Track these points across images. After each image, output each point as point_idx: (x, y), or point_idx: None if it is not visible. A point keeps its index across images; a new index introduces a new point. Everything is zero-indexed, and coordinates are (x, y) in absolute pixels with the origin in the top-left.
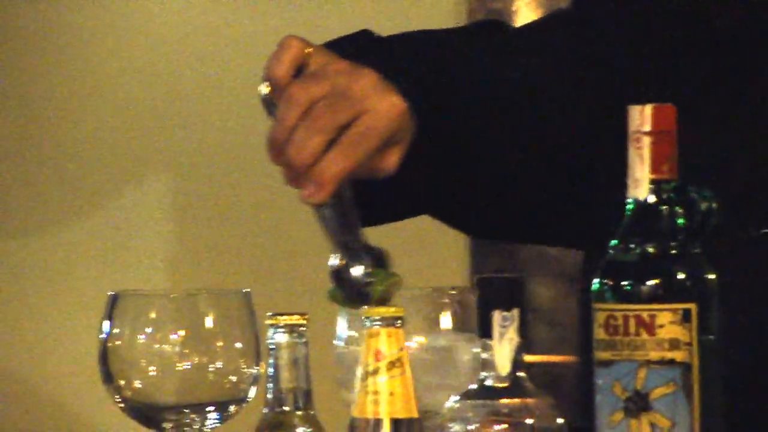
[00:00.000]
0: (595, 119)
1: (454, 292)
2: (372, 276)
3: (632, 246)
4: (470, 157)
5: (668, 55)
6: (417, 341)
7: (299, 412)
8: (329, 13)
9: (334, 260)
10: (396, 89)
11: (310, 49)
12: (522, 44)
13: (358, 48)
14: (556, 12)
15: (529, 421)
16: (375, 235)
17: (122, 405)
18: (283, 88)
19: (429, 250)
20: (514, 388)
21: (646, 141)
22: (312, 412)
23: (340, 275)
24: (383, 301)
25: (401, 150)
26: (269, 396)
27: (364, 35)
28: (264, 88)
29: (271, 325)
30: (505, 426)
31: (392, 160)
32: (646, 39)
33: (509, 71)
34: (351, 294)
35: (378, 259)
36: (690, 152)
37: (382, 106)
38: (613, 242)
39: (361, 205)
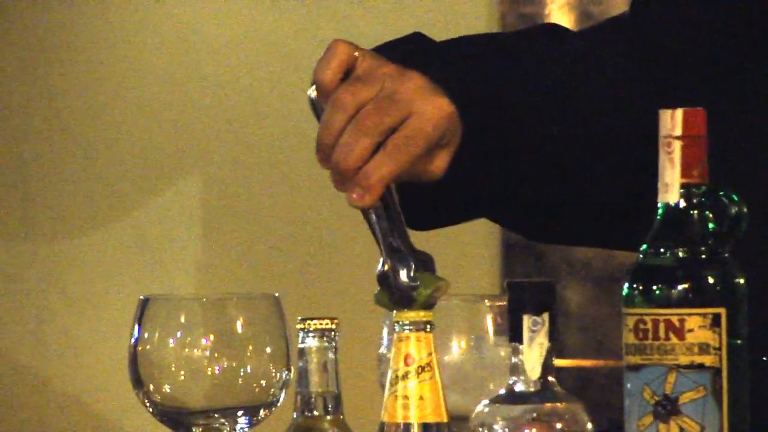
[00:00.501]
0: (651, 122)
1: (491, 300)
2: (418, 280)
3: (662, 250)
4: (521, 161)
5: (725, 60)
6: (459, 346)
7: (329, 417)
8: (359, 16)
9: (381, 264)
10: (443, 92)
11: (358, 53)
12: (578, 48)
13: (408, 51)
14: (613, 18)
15: (559, 425)
16: None
17: (152, 409)
18: (331, 92)
19: (460, 255)
20: (544, 392)
21: (677, 145)
22: (341, 417)
23: (386, 279)
24: (429, 305)
25: (449, 154)
26: (299, 400)
27: (415, 39)
28: (312, 92)
29: (301, 330)
30: (535, 431)
31: (440, 164)
32: (703, 43)
33: (562, 75)
34: (397, 298)
35: (424, 263)
36: (721, 156)
37: (429, 109)
38: (643, 246)
39: (411, 209)
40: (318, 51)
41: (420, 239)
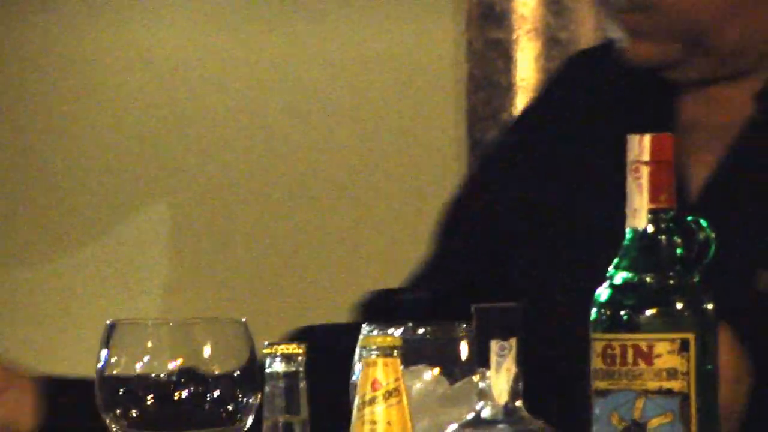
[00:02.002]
0: None
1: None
2: None
3: (630, 275)
4: None
5: None
6: (431, 374)
7: None
8: (326, 41)
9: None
10: None
11: None
12: None
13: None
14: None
15: None
16: (378, 260)
17: None
18: None
19: None
20: (511, 417)
21: (645, 170)
22: None
23: None
24: None
25: None
26: (266, 426)
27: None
28: None
29: (268, 354)
30: None
31: None
32: None
33: None
34: None
35: None
36: None
37: None
38: (612, 271)
39: None
40: (289, 75)
41: (389, 258)
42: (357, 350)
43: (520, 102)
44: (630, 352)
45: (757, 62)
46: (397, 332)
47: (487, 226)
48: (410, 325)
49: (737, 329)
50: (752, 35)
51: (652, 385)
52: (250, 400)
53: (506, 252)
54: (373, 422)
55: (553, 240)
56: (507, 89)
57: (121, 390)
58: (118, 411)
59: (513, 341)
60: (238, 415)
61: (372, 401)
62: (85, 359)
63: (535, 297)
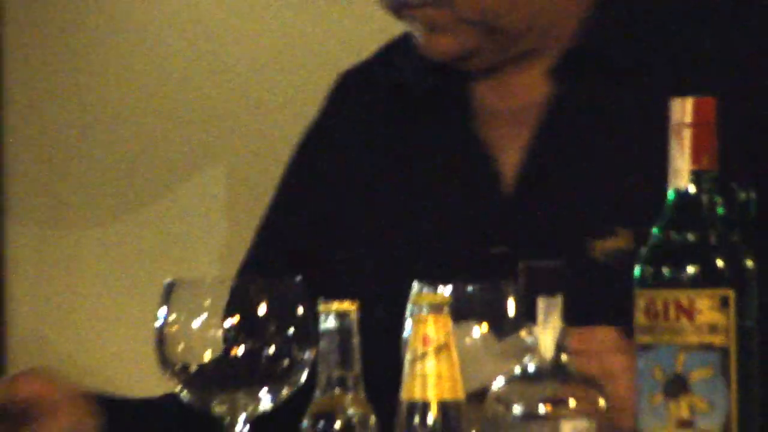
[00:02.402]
0: None
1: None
2: None
3: (673, 233)
4: None
5: None
6: (479, 330)
7: (349, 395)
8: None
9: None
10: None
11: None
12: None
13: None
14: None
15: (572, 403)
16: None
17: (178, 389)
18: None
19: None
20: (557, 371)
21: (687, 132)
22: (362, 395)
23: None
24: None
25: None
26: (321, 379)
27: None
28: None
29: (322, 312)
30: (549, 408)
31: None
32: None
33: None
34: None
35: None
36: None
37: None
38: (655, 230)
39: None
40: (336, 44)
41: None
42: (408, 307)
43: None
44: (672, 307)
45: (543, 41)
46: (447, 290)
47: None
48: (459, 282)
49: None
50: (537, 13)
51: (694, 339)
52: (305, 357)
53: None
54: (424, 376)
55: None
56: None
57: (179, 347)
58: (176, 367)
59: (559, 298)
60: (293, 371)
61: (423, 356)
62: (145, 319)
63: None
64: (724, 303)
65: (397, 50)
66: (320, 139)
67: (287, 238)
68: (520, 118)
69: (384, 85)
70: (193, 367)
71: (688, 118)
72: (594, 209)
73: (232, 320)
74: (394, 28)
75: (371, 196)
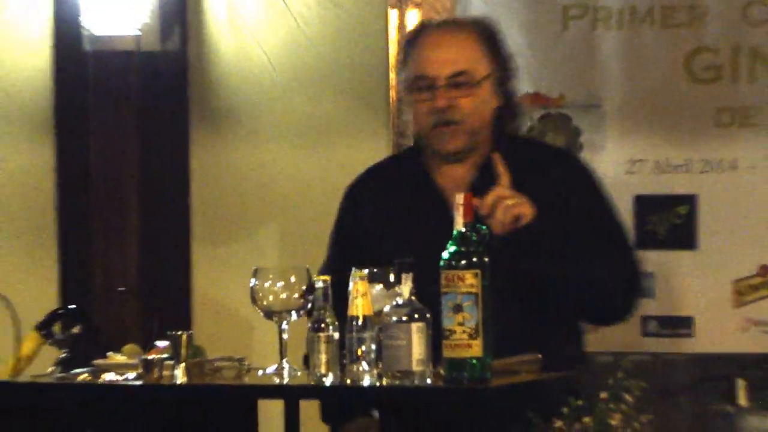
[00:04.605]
0: None
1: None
2: None
3: (458, 247)
4: None
5: None
6: (379, 287)
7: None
8: None
9: None
10: None
11: None
12: None
13: None
14: None
15: (415, 316)
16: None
17: (260, 311)
18: None
19: None
20: (409, 304)
21: (460, 208)
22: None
23: None
24: None
25: None
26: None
27: None
28: None
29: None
30: (405, 319)
31: None
32: None
33: None
34: None
35: None
36: None
37: None
38: (452, 248)
39: None
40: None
41: None
42: (351, 278)
43: None
44: (456, 276)
45: (477, 144)
46: (365, 270)
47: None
48: (371, 267)
49: None
50: (487, 126)
51: (464, 290)
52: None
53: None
54: (357, 306)
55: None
56: None
57: (261, 293)
58: (257, 304)
59: (410, 273)
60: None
61: (356, 297)
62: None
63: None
64: (476, 275)
65: (377, 167)
66: (348, 213)
67: (341, 259)
68: (461, 187)
69: (376, 182)
70: (265, 302)
71: (459, 201)
72: None
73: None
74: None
75: (381, 234)
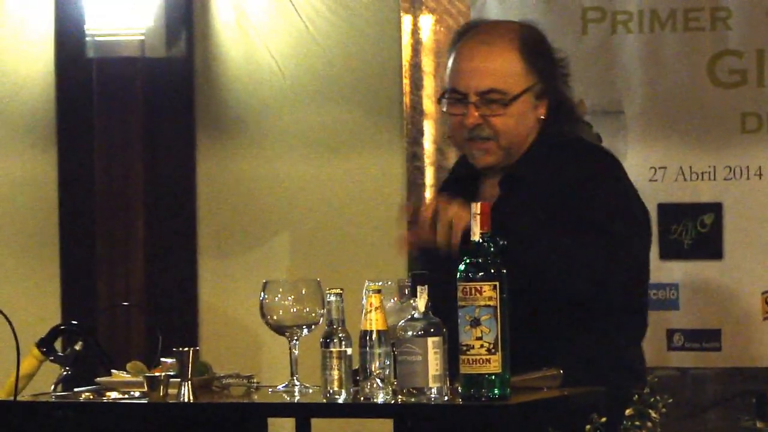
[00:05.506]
0: None
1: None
2: None
3: (475, 259)
4: None
5: None
6: (394, 300)
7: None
8: None
9: None
10: None
11: None
12: None
13: None
14: None
15: (431, 330)
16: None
17: (269, 326)
18: None
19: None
20: (425, 318)
21: (477, 217)
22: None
23: None
24: None
25: None
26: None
27: None
28: None
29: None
30: (421, 333)
31: None
32: None
33: None
34: None
35: None
36: None
37: None
38: (469, 259)
39: None
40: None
41: (347, 242)
42: (364, 291)
43: None
44: (472, 289)
45: (515, 157)
46: (379, 284)
47: None
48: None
49: None
50: (523, 142)
51: (482, 303)
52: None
53: None
54: (370, 320)
55: None
56: None
57: (269, 308)
58: (268, 317)
59: (426, 286)
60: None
61: (369, 311)
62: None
63: None
64: (494, 287)
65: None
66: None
67: None
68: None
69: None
70: (274, 317)
71: (476, 210)
72: None
73: (290, 298)
74: None
75: None
